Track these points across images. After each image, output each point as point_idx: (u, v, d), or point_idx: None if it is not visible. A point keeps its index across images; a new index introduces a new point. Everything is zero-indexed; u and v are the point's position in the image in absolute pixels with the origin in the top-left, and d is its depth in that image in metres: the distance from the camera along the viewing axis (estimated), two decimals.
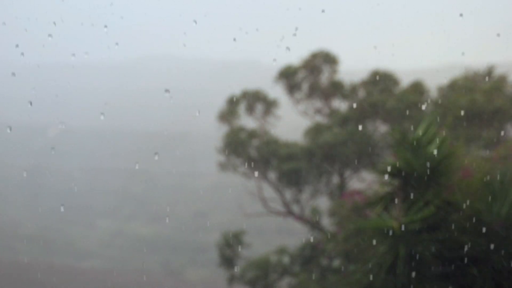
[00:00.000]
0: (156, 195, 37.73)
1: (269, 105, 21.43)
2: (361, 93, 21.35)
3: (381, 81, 20.66)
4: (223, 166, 20.96)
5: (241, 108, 21.54)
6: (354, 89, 21.33)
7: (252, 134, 21.07)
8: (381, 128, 20.75)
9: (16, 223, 36.38)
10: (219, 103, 21.35)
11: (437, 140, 7.73)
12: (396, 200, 7.57)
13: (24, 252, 33.28)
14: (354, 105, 21.03)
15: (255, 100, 21.28)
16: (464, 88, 18.74)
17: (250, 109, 21.27)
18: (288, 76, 21.33)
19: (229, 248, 19.45)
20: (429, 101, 19.53)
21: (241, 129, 20.97)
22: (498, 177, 7.76)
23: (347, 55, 22.23)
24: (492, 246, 7.36)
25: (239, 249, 19.54)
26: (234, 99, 21.00)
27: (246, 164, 20.97)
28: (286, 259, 18.98)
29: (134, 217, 36.80)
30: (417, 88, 19.90)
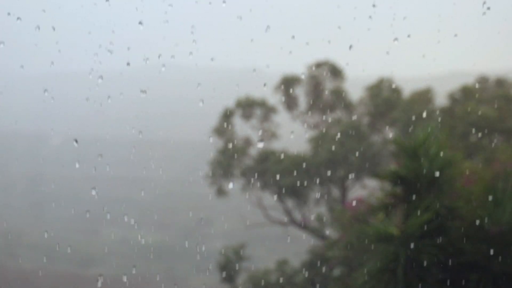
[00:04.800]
0: (160, 202, 37.76)
1: (268, 110, 21.38)
2: (365, 101, 21.34)
3: (385, 89, 20.68)
4: (219, 192, 20.88)
5: (239, 115, 21.48)
6: (358, 98, 21.36)
7: (248, 144, 21.02)
8: (384, 136, 20.77)
9: (20, 231, 36.41)
10: (220, 111, 21.34)
11: (438, 148, 7.80)
12: (398, 207, 7.64)
13: (28, 259, 33.29)
14: (355, 116, 21.05)
15: (250, 107, 21.19)
16: (473, 97, 18.70)
17: (246, 117, 21.22)
18: (287, 86, 21.31)
19: (230, 265, 19.38)
20: (434, 110, 19.51)
21: (234, 144, 20.88)
22: (500, 184, 7.80)
23: (347, 61, 22.20)
24: (492, 252, 7.41)
25: (240, 264, 19.51)
26: (228, 112, 20.91)
27: (245, 177, 20.94)
28: (287, 271, 18.95)
29: (138, 225, 36.81)
30: (423, 97, 19.87)
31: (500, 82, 19.45)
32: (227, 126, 20.90)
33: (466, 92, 19.10)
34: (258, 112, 21.23)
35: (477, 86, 19.53)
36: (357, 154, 19.71)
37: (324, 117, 21.71)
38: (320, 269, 17.79)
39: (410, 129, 17.49)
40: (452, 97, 19.36)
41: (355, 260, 12.00)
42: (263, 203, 21.42)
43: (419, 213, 7.31)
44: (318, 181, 20.47)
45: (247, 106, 20.98)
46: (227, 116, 20.91)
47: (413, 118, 18.16)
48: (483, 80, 19.70)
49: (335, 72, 21.47)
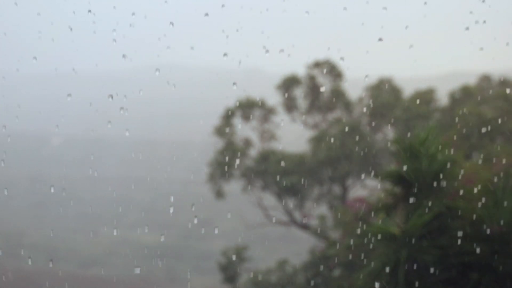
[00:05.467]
0: (160, 202, 37.80)
1: (267, 112, 21.41)
2: (365, 102, 21.37)
3: (385, 89, 20.70)
4: (219, 193, 20.85)
5: (239, 117, 21.51)
6: (358, 99, 21.36)
7: (248, 145, 21.04)
8: (383, 135, 20.78)
9: (20, 231, 36.45)
10: (221, 112, 21.38)
11: (439, 148, 7.81)
12: (398, 207, 7.65)
13: (28, 260, 33.32)
14: (355, 116, 21.06)
15: (250, 108, 21.22)
16: (474, 96, 18.68)
17: (247, 118, 21.23)
18: (288, 87, 21.30)
19: (231, 266, 19.37)
20: (435, 110, 19.51)
21: (234, 145, 20.89)
22: (500, 184, 7.81)
23: (345, 62, 22.21)
24: (493, 252, 7.42)
25: (242, 265, 19.53)
26: (229, 112, 20.91)
27: (245, 178, 20.94)
28: (288, 271, 18.95)
29: (138, 225, 36.84)
30: (425, 96, 19.86)
31: (504, 82, 19.40)
32: (228, 126, 20.93)
33: (467, 92, 19.10)
34: (258, 113, 21.26)
35: (479, 85, 19.52)
36: (357, 153, 19.73)
37: (324, 117, 21.74)
38: (321, 269, 17.80)
39: (411, 129, 17.51)
40: (453, 97, 19.37)
41: (356, 259, 12.01)
42: (263, 203, 21.44)
43: (420, 213, 7.33)
44: (318, 180, 20.49)
45: (248, 107, 21.01)
46: (228, 116, 20.95)
47: (414, 118, 18.16)
48: (485, 79, 19.67)
49: (335, 72, 21.51)
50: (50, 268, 32.81)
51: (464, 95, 19.07)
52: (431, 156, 7.66)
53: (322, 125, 21.52)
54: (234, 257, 19.24)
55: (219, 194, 20.86)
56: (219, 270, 19.63)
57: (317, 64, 21.42)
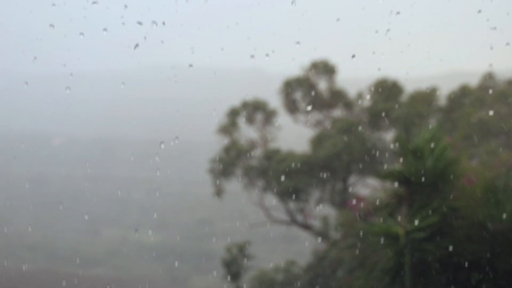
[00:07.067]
0: (161, 203, 37.82)
1: (269, 114, 21.46)
2: (365, 102, 21.40)
3: (386, 88, 20.72)
4: (219, 192, 20.86)
5: (242, 118, 21.56)
6: (358, 97, 21.38)
7: (251, 145, 21.09)
8: (385, 135, 20.81)
9: (21, 232, 36.44)
10: (222, 112, 21.42)
11: (442, 147, 7.83)
12: (401, 207, 7.66)
13: (29, 260, 33.34)
14: (356, 115, 21.08)
15: (255, 109, 21.28)
16: (473, 97, 18.66)
17: (250, 120, 21.29)
18: (288, 89, 21.34)
19: (235, 263, 19.39)
20: (436, 111, 19.51)
21: (237, 144, 20.93)
22: (501, 184, 7.83)
23: (344, 63, 22.23)
24: (495, 252, 7.44)
25: (245, 262, 19.55)
26: (233, 111, 20.96)
27: (247, 177, 20.96)
28: (293, 271, 18.96)
29: (138, 225, 36.85)
30: (427, 96, 19.86)
31: (510, 82, 19.30)
32: (232, 125, 20.99)
33: (466, 92, 19.11)
34: (261, 115, 21.33)
35: (482, 85, 19.48)
36: (358, 152, 19.75)
37: (324, 117, 21.77)
38: (322, 269, 17.80)
39: (412, 129, 17.49)
40: (452, 97, 19.37)
41: (357, 260, 12.02)
42: (265, 203, 21.46)
43: (424, 213, 7.33)
44: (319, 180, 20.51)
45: (252, 108, 21.09)
46: (232, 115, 21.01)
47: (415, 117, 18.17)
48: (489, 78, 19.59)
49: (333, 71, 21.56)
50: (51, 269, 32.82)
51: (464, 95, 19.06)
52: (435, 156, 7.66)
53: (324, 124, 21.55)
54: (237, 253, 19.27)
55: (219, 193, 20.90)
56: (222, 267, 19.66)
57: (315, 65, 21.45)
